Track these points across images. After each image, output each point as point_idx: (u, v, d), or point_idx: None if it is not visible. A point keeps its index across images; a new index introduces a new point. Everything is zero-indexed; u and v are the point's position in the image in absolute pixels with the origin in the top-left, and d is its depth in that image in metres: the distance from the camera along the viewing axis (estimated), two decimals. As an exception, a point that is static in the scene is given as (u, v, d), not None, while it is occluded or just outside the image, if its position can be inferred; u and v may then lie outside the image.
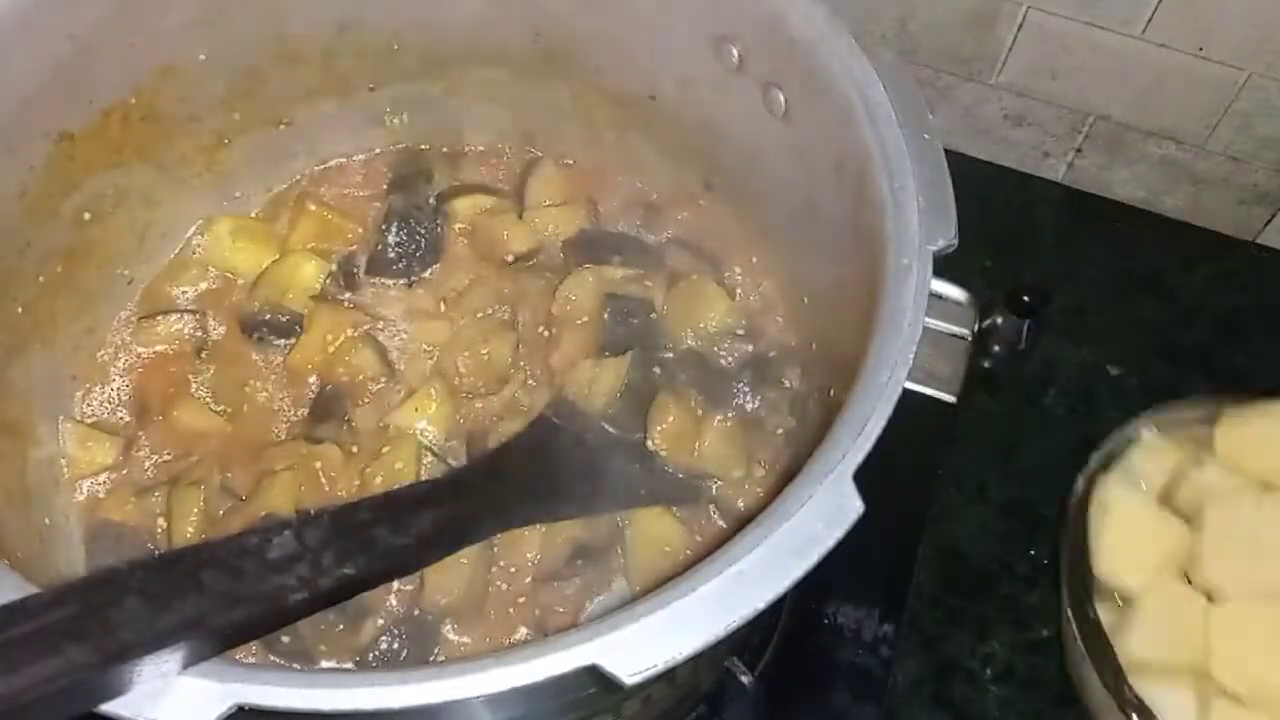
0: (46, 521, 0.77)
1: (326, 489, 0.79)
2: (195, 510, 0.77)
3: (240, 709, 0.47)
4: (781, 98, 0.74)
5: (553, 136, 0.94)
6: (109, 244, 0.84)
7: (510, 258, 0.90)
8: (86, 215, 0.81)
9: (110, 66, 0.77)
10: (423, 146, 0.95)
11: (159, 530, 0.79)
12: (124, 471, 0.81)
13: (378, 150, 0.95)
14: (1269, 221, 1.13)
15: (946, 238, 0.61)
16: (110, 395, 0.84)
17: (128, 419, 0.84)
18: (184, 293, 0.89)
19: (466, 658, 0.51)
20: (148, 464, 0.82)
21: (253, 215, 0.92)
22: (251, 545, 0.52)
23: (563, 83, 0.89)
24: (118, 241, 0.85)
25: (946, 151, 0.64)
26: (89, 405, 0.84)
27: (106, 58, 0.76)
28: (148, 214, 0.86)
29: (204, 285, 0.89)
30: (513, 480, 0.75)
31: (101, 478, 0.81)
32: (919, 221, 0.62)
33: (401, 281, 0.90)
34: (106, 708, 0.47)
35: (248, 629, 0.52)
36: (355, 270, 0.90)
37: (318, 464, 0.79)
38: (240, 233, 0.89)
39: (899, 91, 0.66)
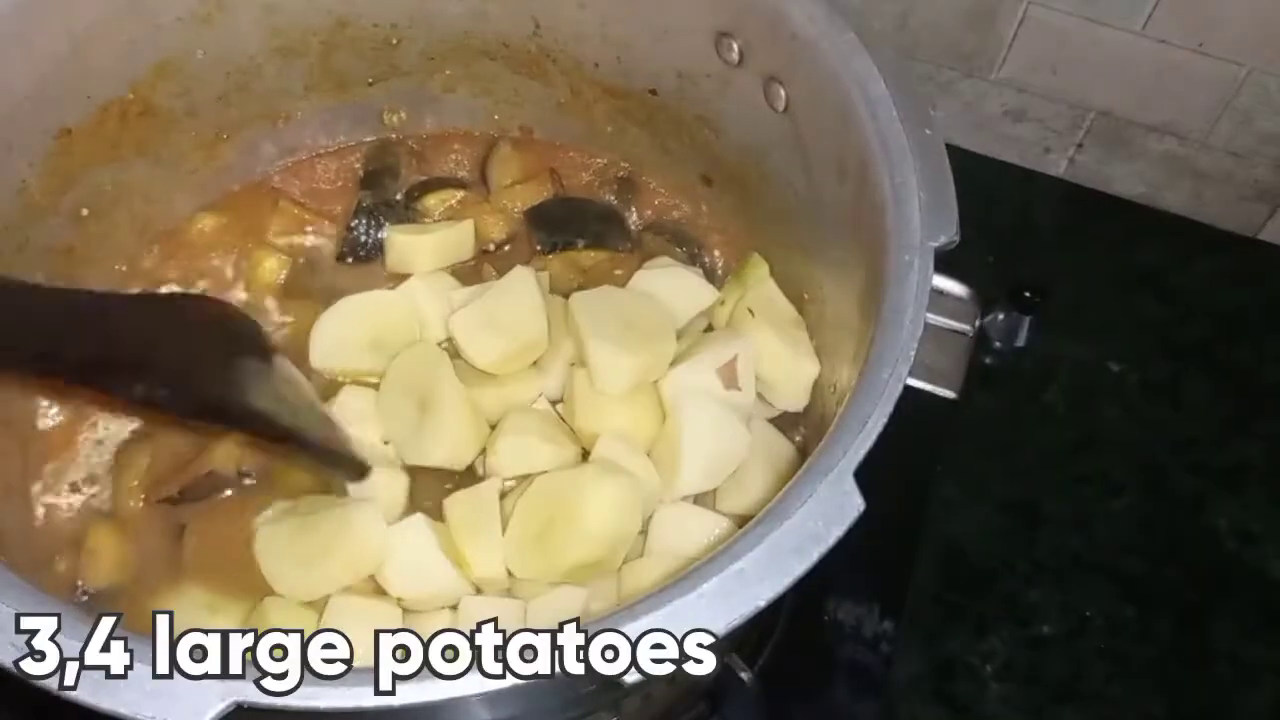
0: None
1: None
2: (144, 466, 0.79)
3: (239, 707, 0.47)
4: (782, 93, 0.74)
5: (551, 132, 0.94)
6: (107, 240, 0.84)
7: (491, 246, 0.90)
8: (84, 211, 0.81)
9: (108, 63, 0.77)
10: (411, 144, 0.95)
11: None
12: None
13: (372, 138, 0.95)
14: (1270, 217, 1.13)
15: (948, 234, 0.61)
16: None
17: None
18: (174, 289, 0.88)
19: (466, 656, 0.51)
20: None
21: (239, 209, 0.91)
22: None
23: (562, 77, 0.89)
24: (115, 237, 0.84)
25: (947, 147, 0.64)
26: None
27: (105, 54, 0.76)
28: (145, 209, 0.86)
29: (192, 279, 0.88)
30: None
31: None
32: (920, 217, 0.61)
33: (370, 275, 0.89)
34: (104, 706, 0.47)
35: None
36: (325, 263, 0.89)
37: None
38: (224, 229, 0.90)
39: (899, 87, 0.66)
